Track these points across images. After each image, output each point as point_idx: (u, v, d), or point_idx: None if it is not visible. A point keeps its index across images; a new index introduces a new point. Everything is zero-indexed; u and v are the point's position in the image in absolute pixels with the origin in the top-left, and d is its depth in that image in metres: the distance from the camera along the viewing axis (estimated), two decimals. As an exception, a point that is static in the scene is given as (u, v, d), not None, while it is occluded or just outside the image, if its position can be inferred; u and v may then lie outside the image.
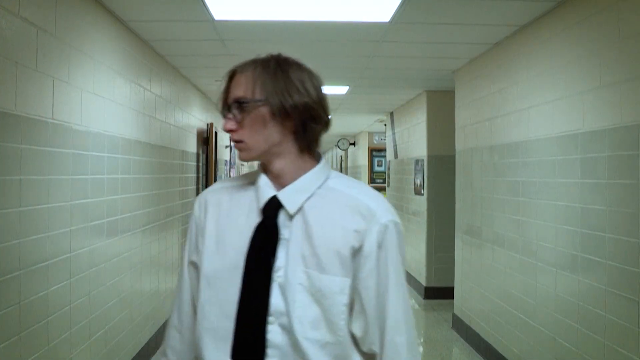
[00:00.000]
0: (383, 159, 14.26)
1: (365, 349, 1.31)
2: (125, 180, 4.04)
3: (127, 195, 4.07)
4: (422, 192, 7.07)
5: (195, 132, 6.55)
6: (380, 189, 10.24)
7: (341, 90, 7.02)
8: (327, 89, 1.60)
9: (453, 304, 5.78)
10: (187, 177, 6.15)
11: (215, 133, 7.37)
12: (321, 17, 3.90)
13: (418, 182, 7.30)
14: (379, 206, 1.30)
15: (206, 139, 7.08)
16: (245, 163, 11.46)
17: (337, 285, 1.25)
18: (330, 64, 5.43)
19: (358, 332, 1.29)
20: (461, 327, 5.45)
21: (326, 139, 2.71)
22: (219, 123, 8.24)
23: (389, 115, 9.36)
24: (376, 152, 14.72)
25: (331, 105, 1.36)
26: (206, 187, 6.98)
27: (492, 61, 4.66)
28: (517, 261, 4.13)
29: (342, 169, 18.06)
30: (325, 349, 1.24)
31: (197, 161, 6.65)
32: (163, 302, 5.18)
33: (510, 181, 4.28)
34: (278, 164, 1.30)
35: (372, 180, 14.56)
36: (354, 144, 15.71)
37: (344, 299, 1.26)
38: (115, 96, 3.83)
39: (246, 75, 1.27)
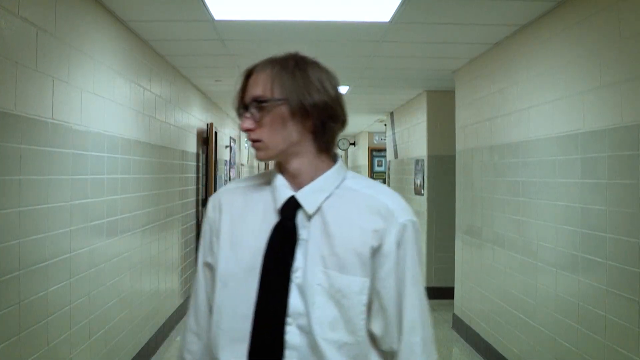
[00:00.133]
0: (383, 159, 14.26)
1: (385, 348, 1.30)
2: (125, 180, 4.04)
3: (127, 195, 4.07)
4: (422, 192, 7.07)
5: (195, 132, 6.55)
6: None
7: (341, 90, 7.01)
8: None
9: (453, 304, 5.77)
10: (187, 177, 6.15)
11: (215, 133, 7.37)
12: (321, 17, 3.90)
13: (418, 182, 7.29)
14: (397, 205, 1.29)
15: (206, 139, 7.08)
16: (245, 163, 11.46)
17: (358, 285, 1.24)
18: (330, 64, 5.38)
19: (378, 332, 1.28)
20: (461, 327, 5.44)
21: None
22: (219, 123, 8.23)
23: (389, 115, 9.36)
24: (376, 152, 14.72)
25: (331, 105, 1.35)
26: (206, 187, 6.98)
27: (492, 61, 4.66)
28: (517, 261, 4.13)
29: (342, 169, 18.03)
30: (343, 350, 1.24)
31: (197, 161, 6.65)
32: (163, 302, 5.18)
33: (510, 181, 4.28)
34: (295, 164, 1.29)
35: (372, 181, 14.53)
36: (354, 144, 15.71)
37: (364, 299, 1.25)
38: (115, 96, 3.83)
39: (265, 74, 1.27)
